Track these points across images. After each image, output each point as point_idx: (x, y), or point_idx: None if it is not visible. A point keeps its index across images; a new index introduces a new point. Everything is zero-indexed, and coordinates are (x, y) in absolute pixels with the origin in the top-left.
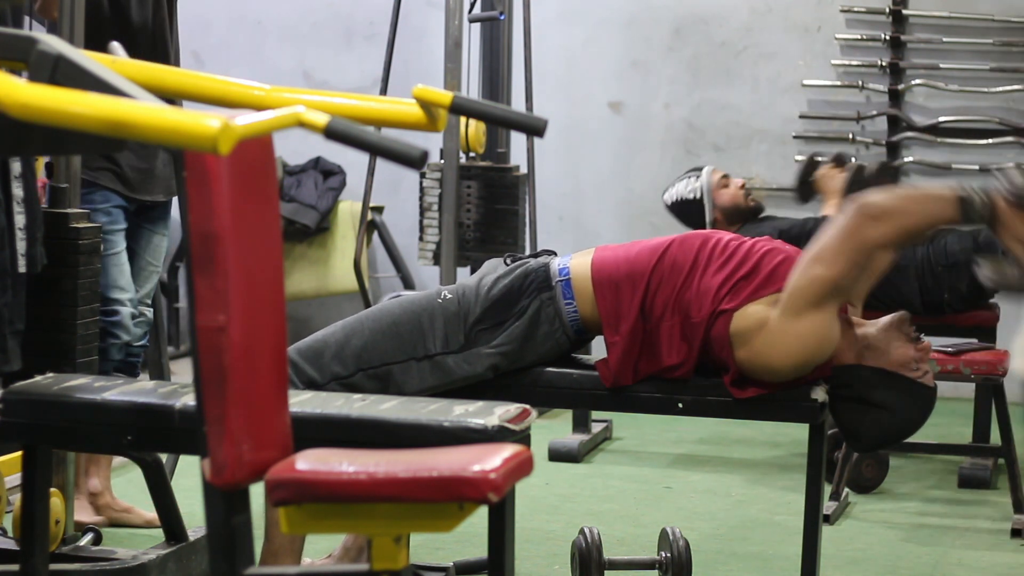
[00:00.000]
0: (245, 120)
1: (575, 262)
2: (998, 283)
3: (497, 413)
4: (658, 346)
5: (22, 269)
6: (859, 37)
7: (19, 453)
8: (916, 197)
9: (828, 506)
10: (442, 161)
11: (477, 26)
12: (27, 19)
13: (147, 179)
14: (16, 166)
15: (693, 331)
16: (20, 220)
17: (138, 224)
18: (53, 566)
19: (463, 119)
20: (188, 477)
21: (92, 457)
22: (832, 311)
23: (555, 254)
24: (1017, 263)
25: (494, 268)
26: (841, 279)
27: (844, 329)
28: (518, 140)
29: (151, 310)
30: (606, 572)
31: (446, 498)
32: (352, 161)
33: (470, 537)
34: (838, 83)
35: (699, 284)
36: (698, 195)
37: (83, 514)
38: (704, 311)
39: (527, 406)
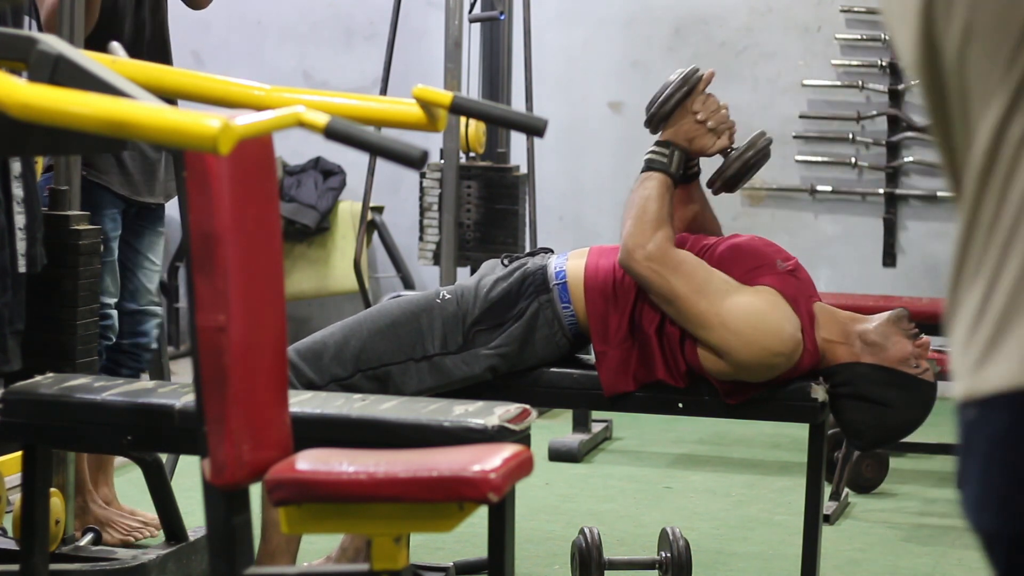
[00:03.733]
0: (245, 120)
1: (571, 265)
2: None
3: (497, 413)
4: (652, 356)
5: (22, 269)
6: (859, 37)
7: (19, 453)
8: (630, 202)
9: (828, 506)
10: (442, 161)
11: (477, 26)
12: (27, 19)
13: (150, 183)
14: (16, 166)
15: (672, 340)
16: (20, 220)
17: (140, 225)
18: (53, 566)
19: (463, 119)
20: (188, 477)
21: (100, 465)
22: (723, 285)
23: (552, 252)
24: (728, 158)
25: (492, 269)
26: (688, 279)
27: (842, 326)
28: (518, 140)
29: (160, 307)
30: (606, 572)
31: (446, 498)
32: (352, 161)
33: (470, 537)
34: (838, 83)
35: None
36: None
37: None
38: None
39: (527, 406)
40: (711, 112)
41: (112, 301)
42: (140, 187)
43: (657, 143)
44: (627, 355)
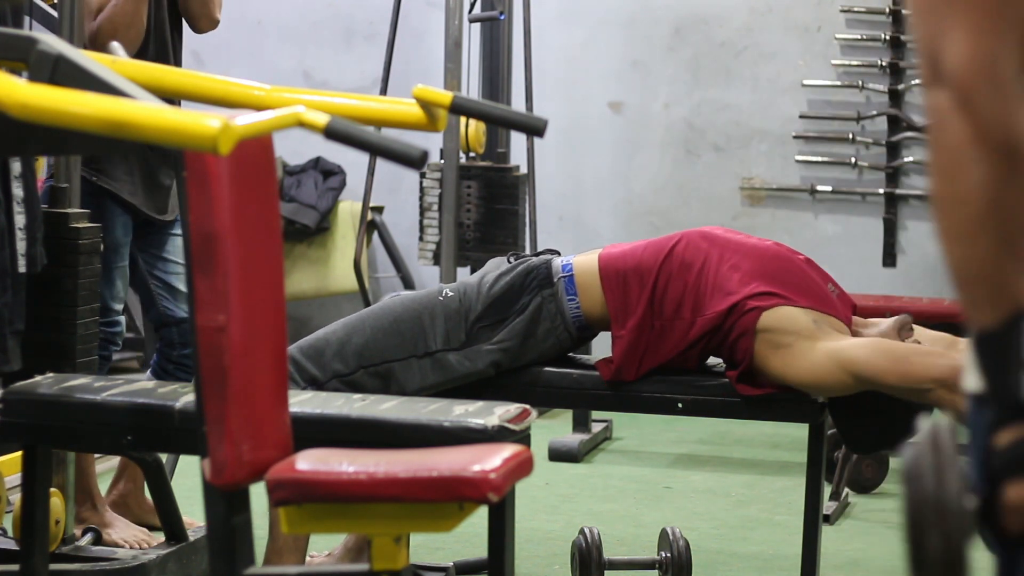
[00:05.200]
0: (245, 120)
1: (579, 259)
2: None
3: (497, 413)
4: (666, 342)
5: (22, 269)
6: (859, 37)
7: (19, 453)
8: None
9: (828, 506)
10: (442, 161)
11: (477, 26)
12: (27, 19)
13: (159, 200)
14: (16, 166)
15: (707, 324)
16: (20, 220)
17: (155, 233)
18: (53, 566)
19: (463, 119)
20: (188, 477)
21: (126, 470)
22: (860, 386)
23: (558, 253)
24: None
25: (496, 266)
26: (886, 384)
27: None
28: (518, 140)
29: None
30: (606, 572)
31: (446, 498)
32: (352, 161)
33: (470, 537)
34: (838, 83)
35: (714, 279)
36: None
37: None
38: (722, 305)
39: (527, 406)
40: None
41: (120, 307)
42: (148, 203)
43: None
44: (638, 340)
